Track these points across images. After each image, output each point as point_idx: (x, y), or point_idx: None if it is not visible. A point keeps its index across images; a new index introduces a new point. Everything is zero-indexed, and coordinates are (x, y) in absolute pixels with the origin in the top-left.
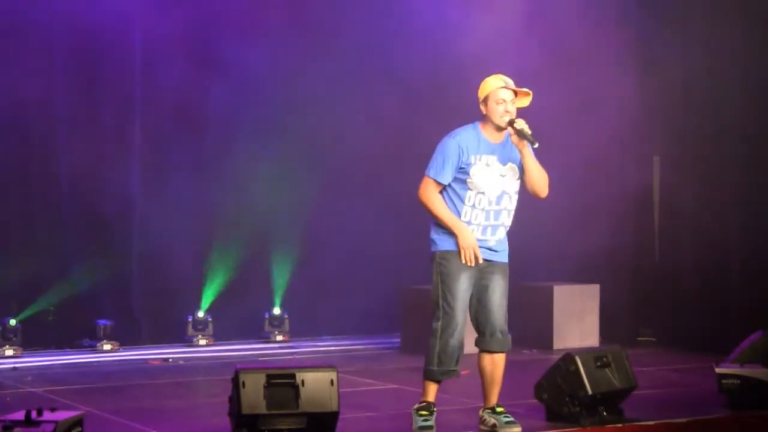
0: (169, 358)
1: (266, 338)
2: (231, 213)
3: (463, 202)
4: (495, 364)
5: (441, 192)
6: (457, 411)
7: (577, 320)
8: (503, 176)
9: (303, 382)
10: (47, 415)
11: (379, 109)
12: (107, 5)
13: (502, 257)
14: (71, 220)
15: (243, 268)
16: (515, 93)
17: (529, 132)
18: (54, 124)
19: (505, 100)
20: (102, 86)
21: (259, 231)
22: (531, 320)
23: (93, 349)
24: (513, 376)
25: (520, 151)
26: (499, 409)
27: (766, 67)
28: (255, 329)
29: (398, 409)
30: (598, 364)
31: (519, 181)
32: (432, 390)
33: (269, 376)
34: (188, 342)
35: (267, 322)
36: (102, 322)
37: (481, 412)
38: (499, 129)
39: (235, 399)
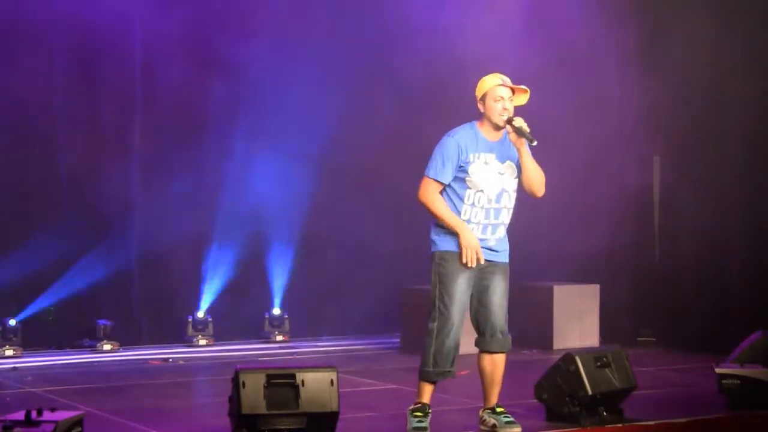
0: (169, 358)
1: (266, 338)
2: (231, 213)
3: (462, 200)
4: (495, 364)
5: (441, 192)
6: (457, 411)
7: (577, 320)
8: (502, 174)
9: (303, 382)
10: (47, 415)
11: (379, 108)
12: (107, 5)
13: (503, 257)
14: (71, 220)
15: (243, 268)
16: (513, 90)
17: (528, 130)
18: (54, 124)
19: (503, 98)
20: (102, 86)
21: (259, 231)
22: (531, 320)
23: (93, 349)
24: (513, 376)
25: (518, 149)
26: (499, 410)
27: (767, 67)
28: (255, 329)
29: (398, 409)
30: (598, 364)
31: (517, 179)
32: (427, 391)
33: (269, 376)
34: (188, 342)
35: (267, 322)
36: (102, 322)
37: (481, 412)
38: (497, 127)
39: (235, 399)
